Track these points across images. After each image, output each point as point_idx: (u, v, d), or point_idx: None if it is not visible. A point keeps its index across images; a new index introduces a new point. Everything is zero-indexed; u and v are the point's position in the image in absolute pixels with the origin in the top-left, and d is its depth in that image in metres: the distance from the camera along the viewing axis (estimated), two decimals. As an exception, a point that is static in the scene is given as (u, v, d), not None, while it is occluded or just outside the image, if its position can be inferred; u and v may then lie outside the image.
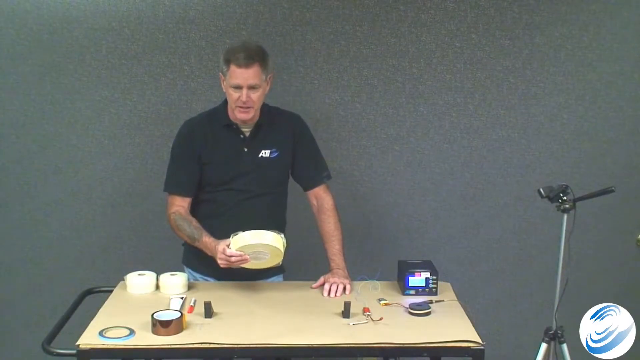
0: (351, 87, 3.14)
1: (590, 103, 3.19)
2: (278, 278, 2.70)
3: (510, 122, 3.20)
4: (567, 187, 2.50)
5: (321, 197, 2.63)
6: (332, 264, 2.55)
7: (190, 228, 2.46)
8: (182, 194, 2.54)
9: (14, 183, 3.15)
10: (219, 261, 2.30)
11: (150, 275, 2.45)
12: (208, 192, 2.58)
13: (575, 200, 2.50)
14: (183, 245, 2.71)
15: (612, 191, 2.50)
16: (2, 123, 3.09)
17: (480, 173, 3.25)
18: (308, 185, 2.65)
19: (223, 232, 2.46)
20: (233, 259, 2.26)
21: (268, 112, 2.58)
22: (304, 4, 3.04)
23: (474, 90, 3.16)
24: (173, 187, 2.56)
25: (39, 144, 3.13)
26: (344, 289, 2.44)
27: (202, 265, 2.60)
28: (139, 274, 2.45)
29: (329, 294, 2.41)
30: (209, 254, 2.39)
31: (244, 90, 2.37)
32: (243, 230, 2.29)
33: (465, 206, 3.28)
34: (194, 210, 2.65)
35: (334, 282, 2.44)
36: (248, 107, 2.41)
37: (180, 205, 2.53)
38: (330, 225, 2.60)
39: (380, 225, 3.29)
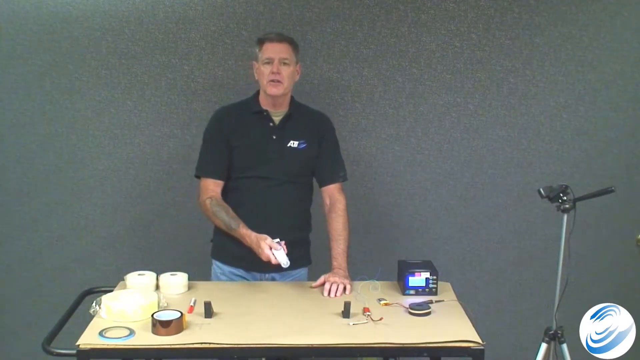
0: (351, 87, 3.14)
1: (590, 103, 3.19)
2: (303, 270, 2.73)
3: (510, 122, 3.20)
4: (567, 187, 2.50)
5: (334, 197, 2.66)
6: (334, 263, 2.56)
7: (228, 216, 2.49)
8: (215, 177, 2.58)
9: (14, 183, 3.15)
10: (262, 252, 2.33)
11: (150, 275, 2.45)
12: (234, 179, 2.61)
13: (575, 200, 2.49)
14: (212, 241, 2.72)
15: (612, 191, 2.50)
16: (2, 123, 3.10)
17: (480, 173, 3.25)
18: (323, 182, 2.68)
19: (248, 221, 2.49)
20: (272, 260, 2.31)
21: (298, 106, 2.67)
22: (304, 4, 3.04)
23: (474, 90, 3.16)
24: (206, 171, 2.60)
25: (39, 144, 3.13)
26: (344, 289, 2.44)
27: (234, 257, 2.61)
28: (139, 274, 2.45)
29: (329, 293, 2.42)
30: (246, 244, 2.42)
31: (275, 62, 2.49)
32: (269, 220, 2.51)
33: (465, 206, 3.28)
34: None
35: (334, 282, 2.44)
36: (279, 82, 2.51)
37: (213, 190, 2.57)
38: (339, 225, 2.61)
39: (380, 225, 3.29)
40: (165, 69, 3.08)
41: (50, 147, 3.13)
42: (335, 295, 2.41)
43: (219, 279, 2.68)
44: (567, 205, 2.48)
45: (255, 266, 2.56)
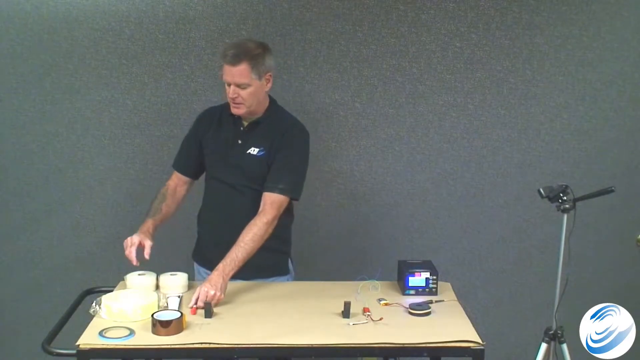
0: (351, 87, 3.14)
1: (590, 103, 3.19)
2: (278, 279, 2.68)
3: (510, 122, 3.20)
4: (567, 187, 2.51)
5: (265, 206, 2.46)
6: (220, 264, 2.33)
7: (155, 203, 2.62)
8: (179, 170, 2.70)
9: (14, 183, 3.15)
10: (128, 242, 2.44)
11: (150, 275, 2.45)
12: (205, 179, 2.67)
13: (575, 200, 2.50)
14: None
15: (612, 191, 2.50)
16: (2, 123, 3.10)
17: (480, 173, 3.25)
18: (264, 188, 2.51)
19: (210, 224, 2.55)
20: (127, 251, 2.41)
21: (273, 113, 2.57)
22: (304, 4, 3.04)
23: (474, 90, 3.16)
24: (174, 163, 2.73)
25: (39, 144, 3.13)
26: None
27: (207, 260, 2.60)
28: (139, 274, 2.45)
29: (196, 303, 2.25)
30: None
31: (231, 87, 2.44)
32: (229, 225, 2.47)
33: (465, 206, 3.28)
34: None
35: (199, 300, 2.26)
36: (238, 104, 2.47)
37: (173, 180, 2.69)
38: (248, 234, 2.39)
39: (380, 225, 3.29)
40: (165, 69, 3.08)
41: (50, 147, 3.13)
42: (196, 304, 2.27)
43: (198, 280, 2.67)
44: (567, 205, 2.48)
45: None
